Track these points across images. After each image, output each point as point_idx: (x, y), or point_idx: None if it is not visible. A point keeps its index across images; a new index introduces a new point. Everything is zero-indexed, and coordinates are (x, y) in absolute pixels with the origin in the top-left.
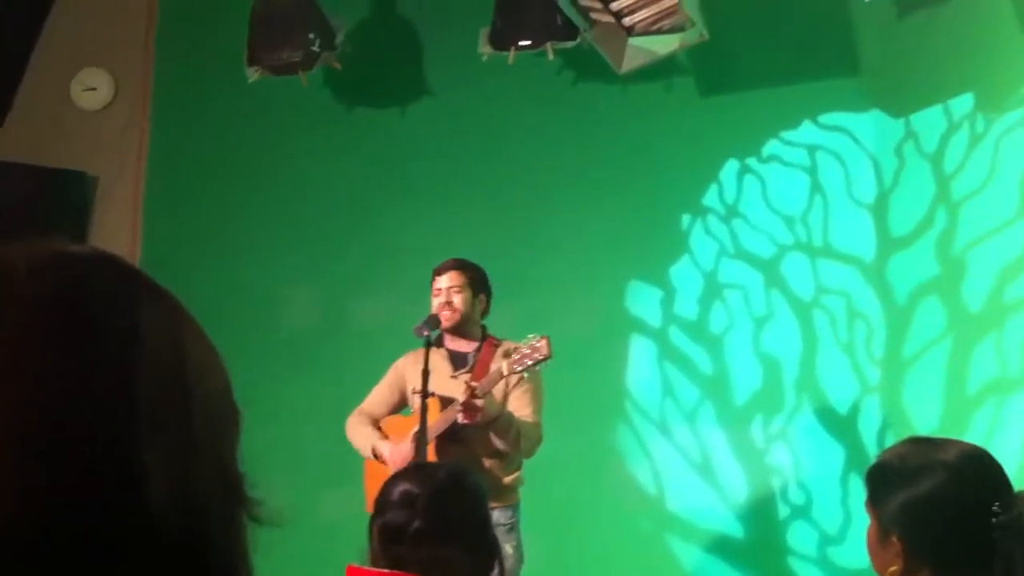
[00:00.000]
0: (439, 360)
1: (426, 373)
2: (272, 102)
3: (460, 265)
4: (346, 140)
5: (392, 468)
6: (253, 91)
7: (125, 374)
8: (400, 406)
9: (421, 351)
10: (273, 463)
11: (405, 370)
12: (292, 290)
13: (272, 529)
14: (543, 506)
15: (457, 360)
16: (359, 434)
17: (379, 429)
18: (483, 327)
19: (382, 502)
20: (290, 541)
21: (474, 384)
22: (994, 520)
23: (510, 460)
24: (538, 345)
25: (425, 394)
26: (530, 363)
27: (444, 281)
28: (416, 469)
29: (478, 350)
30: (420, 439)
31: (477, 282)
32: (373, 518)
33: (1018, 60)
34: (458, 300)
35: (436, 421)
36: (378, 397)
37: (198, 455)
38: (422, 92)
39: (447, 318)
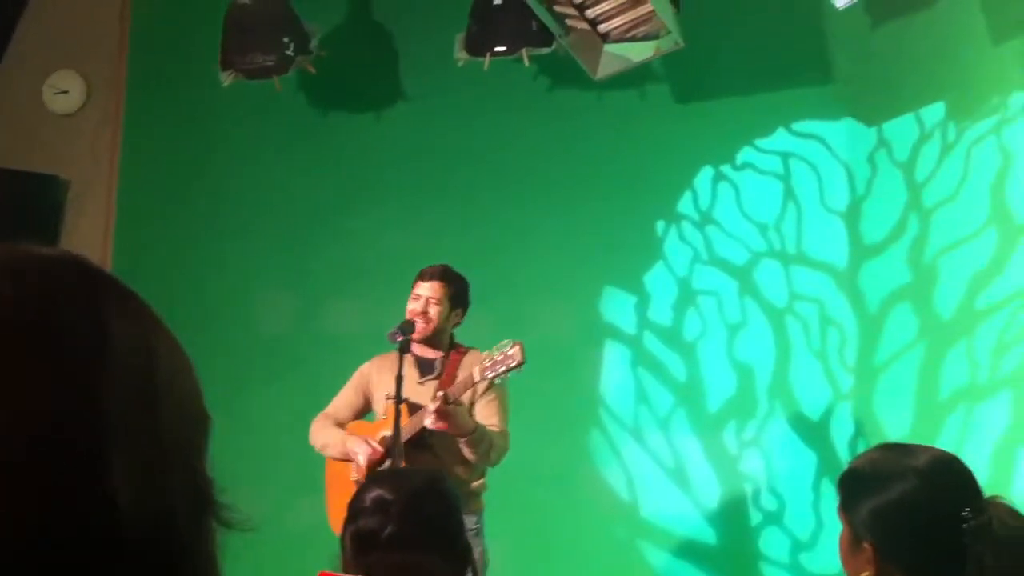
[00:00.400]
0: (406, 366)
1: (399, 379)
2: (246, 106)
3: (445, 276)
4: (320, 145)
5: (363, 465)
6: (227, 95)
7: (93, 378)
8: (365, 411)
9: (387, 356)
10: (245, 470)
11: (371, 375)
12: (265, 295)
13: (243, 535)
14: (517, 512)
15: (424, 367)
16: (326, 434)
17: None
18: (452, 335)
19: (355, 508)
20: (261, 548)
21: (446, 390)
22: (964, 526)
23: (475, 467)
24: (511, 352)
25: (399, 399)
26: (503, 369)
27: (426, 290)
28: (390, 475)
29: (445, 357)
30: (394, 444)
31: (457, 296)
32: (346, 524)
33: (989, 70)
34: (434, 312)
35: (404, 427)
36: (343, 401)
37: (167, 460)
38: (397, 97)
39: (420, 329)
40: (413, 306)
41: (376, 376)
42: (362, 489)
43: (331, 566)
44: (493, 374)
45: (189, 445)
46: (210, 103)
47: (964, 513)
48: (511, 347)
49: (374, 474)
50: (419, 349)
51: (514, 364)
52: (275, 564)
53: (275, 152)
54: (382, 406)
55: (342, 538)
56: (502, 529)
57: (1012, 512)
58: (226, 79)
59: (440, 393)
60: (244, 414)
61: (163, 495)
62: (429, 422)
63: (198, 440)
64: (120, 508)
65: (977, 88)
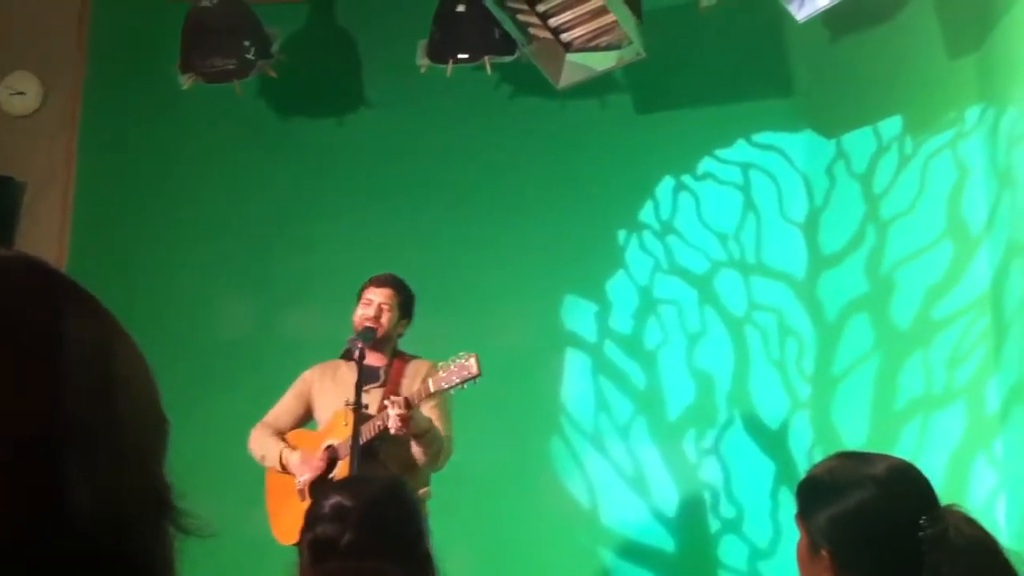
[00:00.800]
0: (351, 374)
1: (359, 385)
2: (205, 110)
3: (397, 285)
4: (281, 150)
5: (300, 478)
6: (186, 98)
7: (49, 381)
8: (306, 419)
9: (329, 364)
10: (202, 476)
11: (313, 383)
12: (223, 300)
13: (202, 542)
14: (477, 519)
15: (368, 374)
16: (264, 444)
17: (285, 441)
18: (395, 344)
19: (313, 515)
20: (219, 555)
21: (409, 395)
22: (921, 534)
23: (420, 474)
24: (467, 363)
25: (358, 405)
26: (457, 380)
27: (378, 295)
28: (349, 482)
29: (389, 365)
30: (352, 451)
31: (405, 305)
32: (303, 531)
33: (946, 84)
34: (385, 318)
35: (354, 436)
36: (284, 410)
37: (124, 465)
38: (359, 103)
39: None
40: (365, 311)
41: (318, 384)
42: (321, 496)
43: (288, 574)
44: (448, 385)
45: (147, 449)
46: (169, 106)
47: (921, 521)
48: (467, 358)
49: (329, 481)
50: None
51: (469, 375)
52: (233, 572)
53: (235, 156)
54: (326, 414)
55: (299, 545)
56: (462, 536)
57: (968, 520)
58: (185, 82)
59: (400, 398)
60: (202, 420)
61: (121, 500)
62: (391, 426)
63: (156, 444)
64: (77, 513)
65: (934, 102)
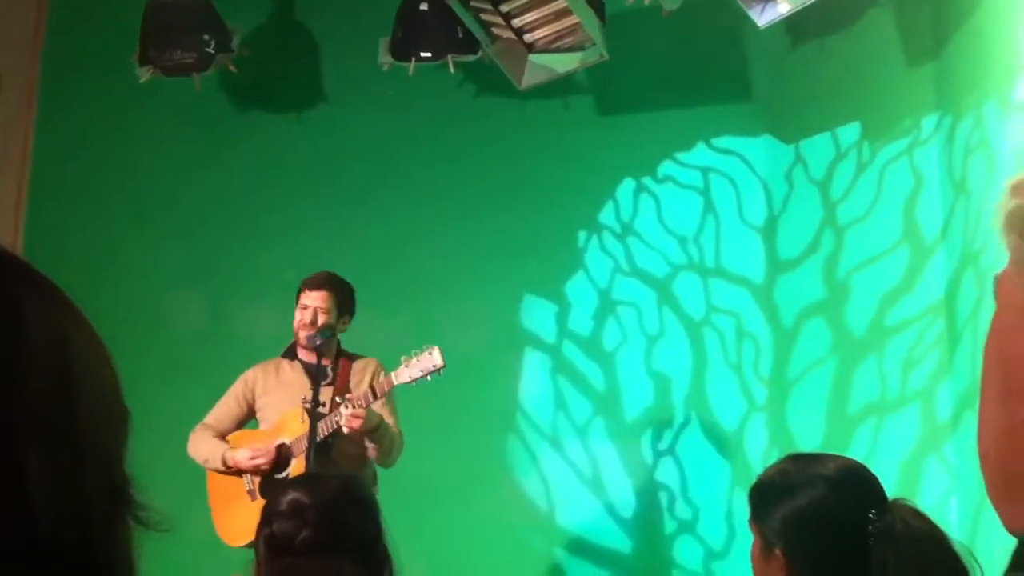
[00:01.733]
0: (296, 374)
1: (316, 384)
2: (163, 103)
3: (330, 285)
4: (239, 145)
5: (252, 469)
6: (144, 91)
7: (7, 369)
8: (246, 420)
9: (270, 363)
10: (153, 473)
11: (255, 383)
12: (176, 295)
13: (152, 541)
14: (432, 518)
15: (316, 373)
16: (205, 446)
17: (227, 443)
18: (338, 342)
19: (270, 511)
20: (171, 552)
21: (364, 391)
22: (870, 528)
23: (369, 471)
24: (430, 355)
25: (316, 403)
26: (420, 373)
27: (314, 299)
28: (307, 479)
29: (336, 364)
30: (309, 449)
31: (344, 303)
32: (260, 528)
33: (903, 92)
34: (322, 320)
35: (306, 433)
36: (224, 412)
37: (85, 456)
38: (319, 100)
39: (307, 335)
40: (301, 316)
41: (261, 383)
42: (278, 492)
43: (244, 570)
44: (411, 378)
45: (108, 441)
46: (126, 99)
47: (870, 516)
48: (430, 351)
49: (291, 478)
50: (307, 356)
51: (433, 368)
52: (186, 568)
53: (191, 150)
54: (271, 412)
55: (256, 541)
56: (417, 536)
57: (915, 512)
58: (144, 75)
59: (354, 395)
60: (150, 416)
61: (80, 492)
62: (345, 424)
63: (117, 436)
64: (36, 504)
65: (891, 110)
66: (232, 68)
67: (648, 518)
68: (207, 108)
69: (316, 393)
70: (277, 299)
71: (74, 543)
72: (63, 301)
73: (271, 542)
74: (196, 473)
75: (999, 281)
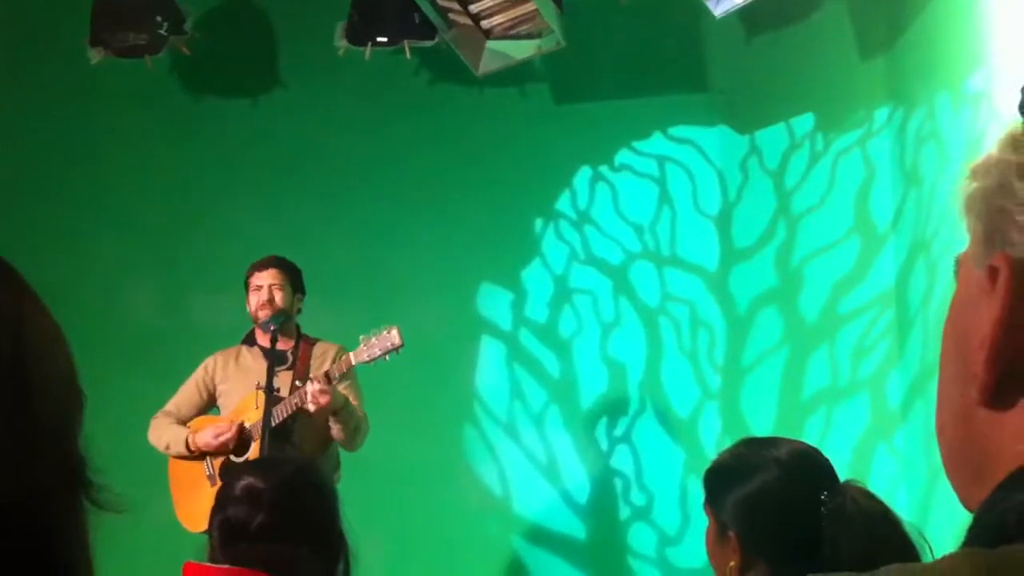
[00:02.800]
0: (255, 360)
1: (271, 368)
2: (115, 87)
3: (280, 263)
4: (192, 129)
5: (218, 448)
6: (95, 74)
7: None
8: (207, 407)
9: (231, 350)
10: (106, 463)
11: (215, 370)
12: (131, 283)
13: (106, 528)
14: (388, 506)
15: (276, 357)
16: (167, 432)
17: (189, 428)
18: (297, 326)
19: (224, 496)
20: (125, 541)
21: (328, 369)
22: (822, 510)
23: (332, 456)
24: (389, 335)
25: (270, 388)
26: (380, 352)
27: (265, 278)
28: (261, 463)
29: (296, 348)
30: (263, 433)
31: (296, 281)
32: (214, 513)
33: (857, 84)
34: (279, 297)
35: (265, 417)
36: (185, 399)
37: (37, 436)
38: (273, 84)
39: (266, 315)
40: (257, 298)
41: (221, 371)
42: (232, 476)
43: (197, 557)
44: (370, 357)
45: (61, 421)
46: (77, 82)
47: (822, 497)
48: (388, 330)
49: (245, 463)
50: (266, 340)
51: (391, 347)
52: (139, 557)
53: (144, 136)
54: (232, 399)
55: (210, 527)
56: (372, 524)
57: (865, 492)
58: (95, 56)
59: (321, 374)
60: (106, 407)
61: (34, 473)
62: (310, 402)
63: (71, 418)
64: None
65: (845, 101)
66: (185, 50)
67: (603, 504)
68: (158, 92)
69: (270, 377)
70: (235, 289)
71: (26, 519)
72: (18, 282)
73: (225, 527)
74: (151, 463)
75: (960, 262)
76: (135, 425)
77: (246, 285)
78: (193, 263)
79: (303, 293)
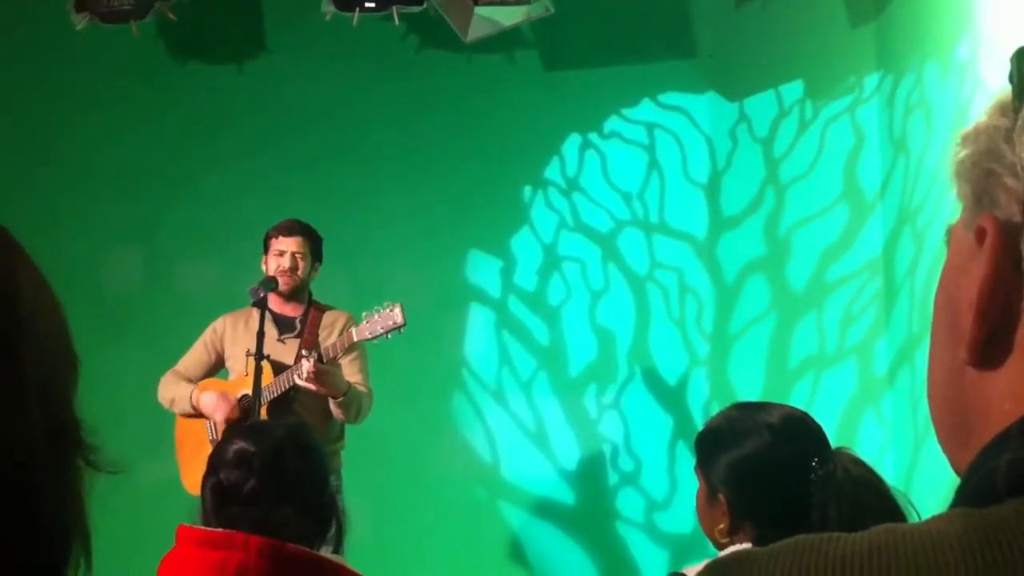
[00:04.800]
0: (265, 324)
1: (260, 335)
2: (100, 52)
3: (306, 231)
4: (178, 96)
5: (211, 415)
6: (80, 39)
7: None
8: (216, 368)
9: (240, 312)
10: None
11: (224, 331)
12: (114, 250)
13: (96, 493)
14: (378, 473)
15: (283, 324)
16: (174, 390)
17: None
18: (310, 292)
19: (216, 460)
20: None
21: (322, 349)
22: (812, 476)
23: (336, 425)
24: (391, 312)
25: (259, 356)
26: (382, 331)
27: (290, 244)
28: (252, 428)
29: (305, 315)
30: (254, 401)
31: (316, 250)
32: (206, 476)
33: (846, 50)
34: (301, 266)
35: (268, 386)
36: (193, 359)
37: (28, 397)
38: (260, 50)
39: (287, 282)
40: (280, 262)
41: (230, 332)
42: (224, 441)
43: (188, 519)
44: (372, 335)
45: (54, 383)
46: (62, 47)
47: (812, 464)
48: (391, 308)
49: (237, 427)
50: (277, 306)
51: (394, 325)
52: (126, 523)
53: (129, 100)
54: (239, 363)
55: (202, 490)
56: (363, 490)
57: (855, 460)
58: (80, 22)
59: (313, 353)
60: (91, 374)
61: (23, 433)
62: (301, 381)
63: (63, 379)
64: None
65: (834, 68)
66: (171, 16)
67: (591, 471)
68: (144, 57)
69: (260, 344)
70: (219, 257)
71: (16, 477)
72: (10, 243)
73: (217, 490)
74: (137, 430)
75: (951, 229)
76: (120, 392)
77: (266, 245)
78: (174, 230)
79: (321, 261)
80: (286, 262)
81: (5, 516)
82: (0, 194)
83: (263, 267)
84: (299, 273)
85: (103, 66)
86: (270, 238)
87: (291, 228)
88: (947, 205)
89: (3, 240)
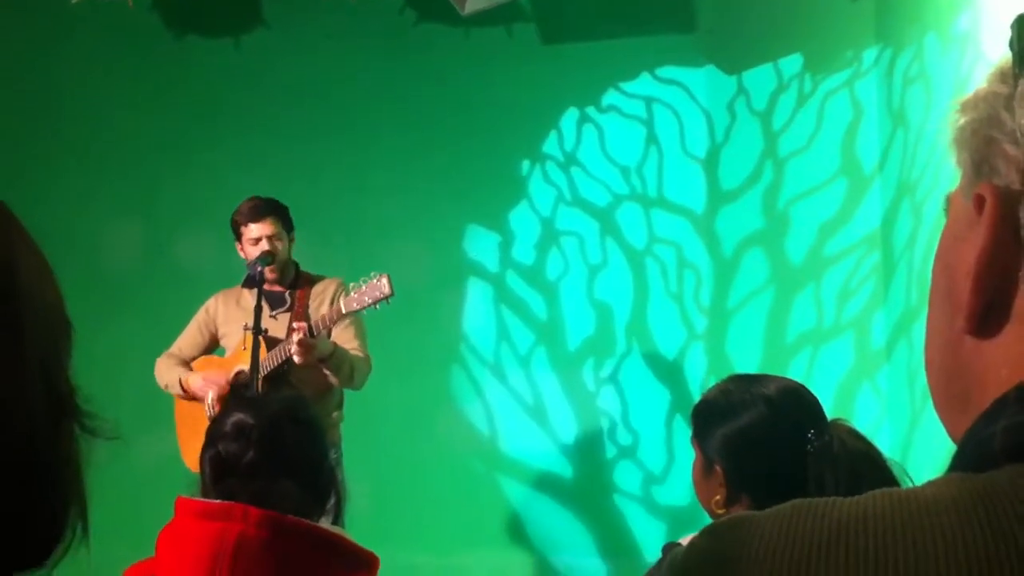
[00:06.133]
0: (253, 299)
1: (258, 309)
2: (96, 24)
3: (272, 209)
4: (174, 69)
5: (202, 397)
6: (76, 12)
7: None
8: (211, 347)
9: (231, 291)
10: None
11: (217, 311)
12: (111, 225)
13: (95, 465)
14: (376, 447)
15: (274, 300)
16: (167, 375)
17: (190, 369)
18: (295, 264)
19: (215, 432)
20: (108, 482)
21: (315, 321)
22: (808, 447)
23: (332, 398)
24: (379, 283)
25: (257, 331)
26: (369, 301)
27: (263, 230)
28: (251, 400)
29: (294, 290)
30: (252, 375)
31: (288, 222)
32: (204, 449)
33: (845, 23)
34: (280, 247)
35: (262, 361)
36: (187, 340)
37: (23, 365)
38: (256, 23)
39: (272, 268)
40: (256, 249)
41: (223, 311)
42: (223, 413)
43: (187, 493)
44: (360, 306)
45: (48, 350)
46: (57, 19)
47: (809, 435)
48: (378, 278)
49: (236, 400)
50: (267, 283)
51: (381, 295)
52: (124, 498)
53: (125, 75)
54: (234, 340)
55: (201, 462)
56: (362, 464)
57: (852, 432)
58: None
59: (303, 325)
60: (90, 348)
61: (19, 401)
62: (295, 354)
63: (59, 347)
64: None
65: (833, 41)
66: None
67: (589, 444)
68: (141, 32)
69: (257, 319)
70: (218, 231)
71: (16, 447)
72: (7, 217)
73: (216, 463)
74: (137, 403)
75: (950, 197)
76: (119, 367)
77: (238, 234)
78: (172, 205)
79: (293, 229)
80: (266, 247)
81: (6, 480)
82: (2, 169)
83: (240, 254)
84: (281, 255)
85: (99, 40)
86: (239, 225)
87: (259, 211)
88: (946, 178)
89: (1, 216)
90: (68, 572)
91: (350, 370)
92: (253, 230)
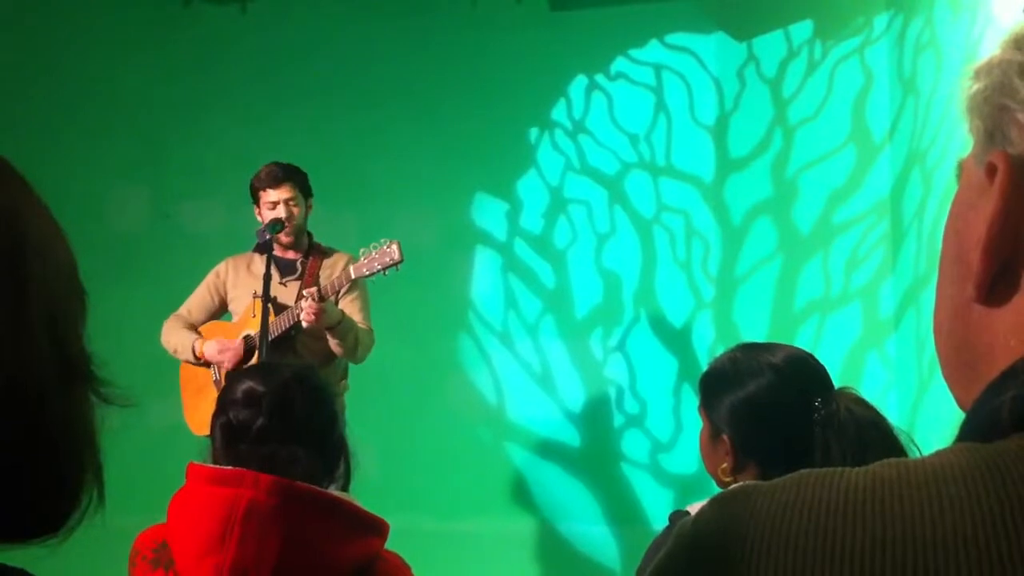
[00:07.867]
0: (263, 265)
1: (267, 276)
2: None
3: (291, 175)
4: (180, 35)
5: (218, 363)
6: None
7: None
8: (219, 312)
9: (242, 256)
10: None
11: (227, 275)
12: (117, 191)
13: (105, 431)
14: (385, 414)
15: (285, 267)
16: (176, 336)
17: (198, 333)
18: (309, 234)
19: (226, 399)
20: (119, 448)
21: (324, 286)
22: (815, 416)
23: (338, 367)
24: (388, 249)
25: (267, 297)
26: (379, 267)
27: (281, 194)
28: (261, 367)
29: (306, 257)
30: (261, 341)
31: (306, 188)
32: (216, 415)
33: None
34: (296, 213)
35: (272, 324)
36: (197, 303)
37: (34, 331)
38: None
39: (287, 231)
40: (273, 214)
41: (232, 276)
42: (233, 380)
43: (199, 458)
44: (369, 272)
45: (61, 317)
46: None
47: (816, 404)
48: (388, 244)
49: (246, 367)
50: (279, 251)
51: (391, 262)
52: (135, 463)
53: (132, 41)
54: (242, 305)
55: (212, 429)
56: (370, 431)
57: (858, 399)
58: None
59: (313, 290)
60: (95, 312)
61: (30, 367)
62: (304, 318)
63: (72, 312)
64: None
65: (844, 8)
66: None
67: (597, 413)
68: None
69: (267, 286)
70: (222, 195)
71: (23, 407)
72: (16, 178)
73: (226, 429)
74: (142, 368)
75: (962, 163)
76: (124, 331)
77: (256, 198)
78: (179, 170)
79: (312, 196)
80: (281, 212)
81: (20, 445)
82: (3, 131)
83: (258, 218)
84: (297, 220)
85: (107, 4)
86: (258, 190)
87: (277, 176)
88: (957, 146)
89: (12, 180)
90: (81, 537)
91: (354, 341)
92: (271, 195)
